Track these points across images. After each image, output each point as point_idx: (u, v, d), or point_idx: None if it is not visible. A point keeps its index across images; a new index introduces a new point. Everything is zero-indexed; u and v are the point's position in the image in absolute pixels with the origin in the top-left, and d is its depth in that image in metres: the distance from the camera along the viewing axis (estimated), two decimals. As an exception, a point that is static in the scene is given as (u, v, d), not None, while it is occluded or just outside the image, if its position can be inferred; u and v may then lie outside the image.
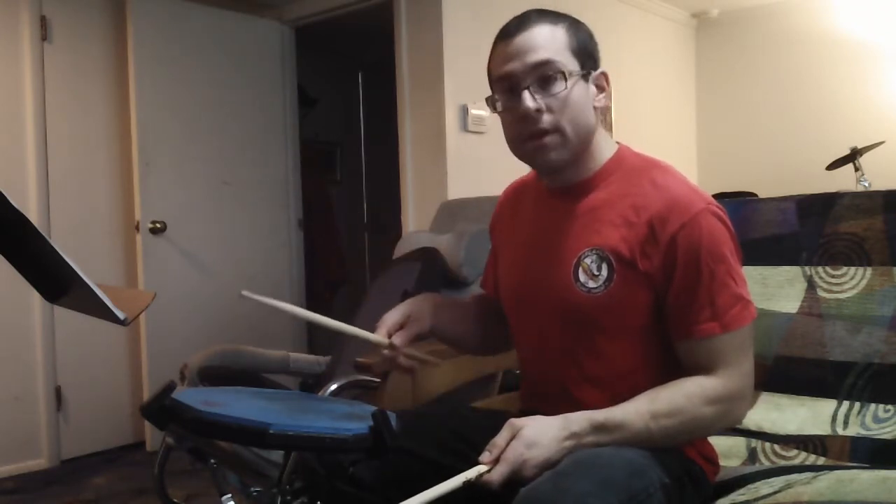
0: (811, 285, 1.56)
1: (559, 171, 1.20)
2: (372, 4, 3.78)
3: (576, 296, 1.15)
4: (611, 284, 1.13)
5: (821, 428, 1.45)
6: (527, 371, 1.33)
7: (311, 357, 2.51)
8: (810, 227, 1.59)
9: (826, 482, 1.15)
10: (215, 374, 2.16)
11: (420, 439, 1.19)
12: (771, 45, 4.95)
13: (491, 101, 1.20)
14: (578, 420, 1.05)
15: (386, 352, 1.23)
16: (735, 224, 1.19)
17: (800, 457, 1.43)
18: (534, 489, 0.95)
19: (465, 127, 3.50)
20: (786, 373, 1.53)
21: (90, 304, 1.07)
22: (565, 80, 1.13)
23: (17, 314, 3.25)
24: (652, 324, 1.15)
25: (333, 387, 1.88)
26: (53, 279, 1.13)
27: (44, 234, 1.05)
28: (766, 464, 1.44)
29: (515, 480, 0.99)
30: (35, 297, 3.02)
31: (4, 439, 3.21)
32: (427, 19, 3.53)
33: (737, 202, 1.74)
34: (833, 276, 1.54)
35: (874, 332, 1.45)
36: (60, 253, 1.03)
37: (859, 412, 1.44)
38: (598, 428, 1.05)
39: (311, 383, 2.49)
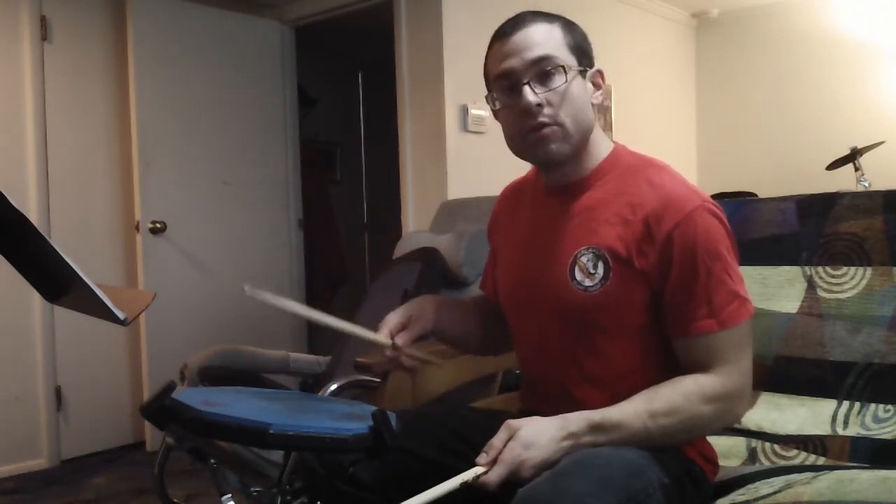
0: (811, 285, 1.56)
1: (560, 164, 1.21)
2: (372, 4, 3.78)
3: (572, 294, 1.16)
4: (607, 283, 1.13)
5: (821, 428, 1.45)
6: (526, 371, 1.33)
7: (311, 357, 2.51)
8: (810, 227, 1.59)
9: (826, 482, 1.15)
10: (215, 374, 2.16)
11: (420, 439, 1.19)
12: (771, 45, 4.95)
13: (490, 100, 1.21)
14: (576, 420, 1.05)
15: (388, 352, 1.23)
16: (735, 224, 1.19)
17: (800, 457, 1.43)
18: (532, 490, 0.95)
19: (465, 127, 3.50)
20: (786, 373, 1.53)
21: (90, 304, 1.07)
22: (564, 73, 1.15)
23: (17, 314, 3.25)
24: (650, 323, 1.15)
25: (333, 387, 1.88)
26: (53, 279, 1.13)
27: (44, 234, 1.05)
28: (766, 464, 1.44)
29: (513, 481, 0.99)
30: (35, 297, 3.02)
31: (4, 439, 3.21)
32: (427, 19, 3.53)
33: (737, 202, 1.74)
34: (833, 276, 1.54)
35: (874, 332, 1.45)
36: (60, 253, 1.03)
37: (859, 412, 1.44)
38: (596, 428, 1.05)
39: (311, 383, 2.49)
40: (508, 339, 1.36)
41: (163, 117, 3.56)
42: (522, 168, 1.33)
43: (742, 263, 1.19)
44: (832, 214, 1.57)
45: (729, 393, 1.10)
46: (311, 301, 4.29)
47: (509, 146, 1.22)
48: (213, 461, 1.18)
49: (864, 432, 1.41)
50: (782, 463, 1.42)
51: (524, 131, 1.17)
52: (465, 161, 3.48)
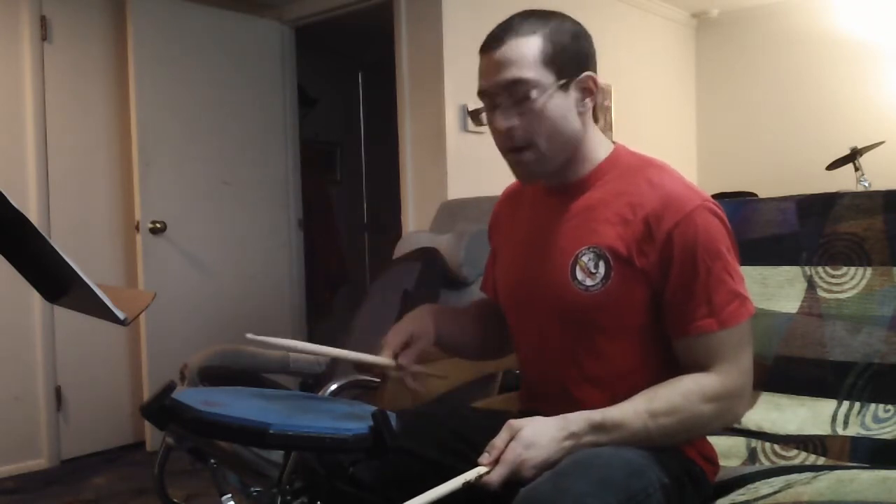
0: (811, 285, 1.56)
1: (541, 180, 1.23)
2: (372, 4, 3.78)
3: (573, 294, 1.16)
4: (608, 282, 1.13)
5: (821, 428, 1.45)
6: (526, 371, 1.33)
7: (311, 357, 2.51)
8: (810, 227, 1.59)
9: (826, 482, 1.15)
10: (215, 374, 2.16)
11: (420, 439, 1.19)
12: (771, 45, 4.95)
13: (475, 116, 1.22)
14: (577, 420, 1.05)
15: (393, 373, 1.23)
16: (735, 224, 1.19)
17: (800, 457, 1.43)
18: (533, 489, 0.95)
19: (465, 127, 3.50)
20: (786, 373, 1.53)
21: (90, 304, 1.07)
22: (538, 95, 1.13)
23: (17, 314, 3.25)
24: (651, 323, 1.15)
25: (333, 387, 1.88)
26: (53, 279, 1.13)
27: (44, 234, 1.05)
28: (766, 464, 1.44)
29: (515, 481, 0.99)
30: (35, 297, 3.02)
31: (4, 439, 3.21)
32: (427, 19, 3.53)
33: (737, 202, 1.74)
34: (833, 276, 1.54)
35: (874, 332, 1.45)
36: (60, 253, 1.03)
37: (859, 412, 1.44)
38: (597, 428, 1.05)
39: (311, 383, 2.49)
40: (508, 343, 1.36)
41: (163, 117, 3.56)
42: (522, 168, 1.33)
43: (742, 263, 1.19)
44: (832, 214, 1.57)
45: (729, 392, 1.10)
46: (311, 301, 4.29)
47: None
48: (213, 461, 1.18)
49: (864, 432, 1.41)
50: (782, 463, 1.42)
51: (503, 150, 1.20)
52: (465, 161, 3.48)
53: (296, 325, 4.06)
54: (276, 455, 1.47)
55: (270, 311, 3.94)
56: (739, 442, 1.49)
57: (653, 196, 1.14)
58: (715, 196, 1.25)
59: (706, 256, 1.10)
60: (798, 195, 1.66)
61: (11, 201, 0.99)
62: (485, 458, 1.02)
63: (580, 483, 0.94)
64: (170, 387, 0.99)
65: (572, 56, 1.16)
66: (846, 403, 1.46)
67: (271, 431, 0.94)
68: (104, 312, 1.06)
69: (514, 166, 1.20)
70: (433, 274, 2.45)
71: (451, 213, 3.00)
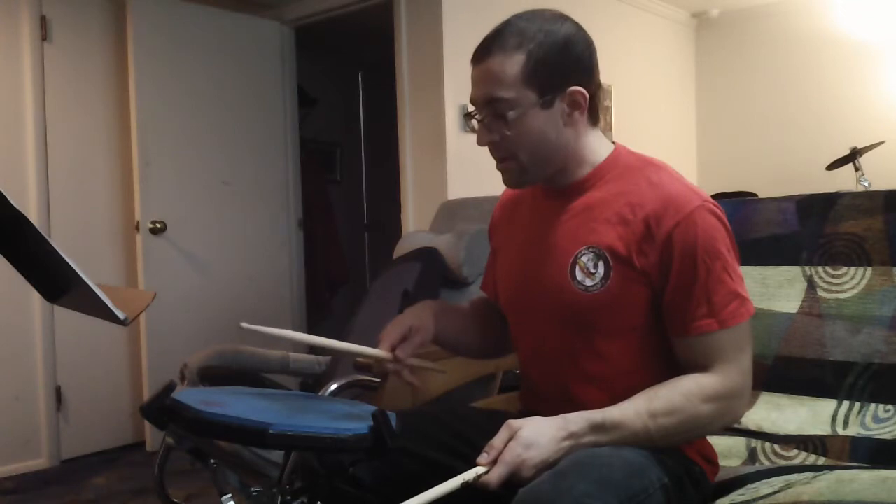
0: (811, 285, 1.56)
1: (531, 186, 1.25)
2: (372, 4, 3.78)
3: (573, 294, 1.16)
4: (608, 282, 1.13)
5: (821, 428, 1.45)
6: (526, 371, 1.33)
7: (311, 357, 2.51)
8: (810, 227, 1.59)
9: (826, 482, 1.15)
10: (215, 374, 2.16)
11: (420, 439, 1.19)
12: (771, 45, 4.95)
13: (468, 119, 1.23)
14: (576, 420, 1.05)
15: (391, 365, 1.23)
16: (735, 224, 1.19)
17: (800, 457, 1.43)
18: (533, 489, 0.95)
19: (465, 127, 3.50)
20: (786, 373, 1.53)
21: (90, 304, 1.07)
22: (516, 115, 1.14)
23: (17, 314, 3.25)
24: (650, 322, 1.15)
25: (333, 387, 1.87)
26: (53, 279, 1.13)
27: (44, 234, 1.05)
28: (766, 464, 1.44)
29: (514, 481, 0.99)
30: (35, 297, 3.02)
31: (4, 439, 3.21)
32: (427, 19, 3.53)
33: (737, 202, 1.74)
34: (833, 276, 1.54)
35: (874, 332, 1.46)
36: (60, 253, 1.03)
37: (859, 412, 1.44)
38: (597, 428, 1.05)
39: (311, 383, 2.49)
40: (508, 342, 1.36)
41: (163, 117, 3.56)
42: (522, 168, 1.33)
43: (742, 263, 1.19)
44: (832, 214, 1.57)
45: (729, 392, 1.10)
46: (311, 301, 4.29)
47: None
48: (213, 461, 1.18)
49: (864, 432, 1.41)
50: (782, 463, 1.42)
51: (493, 158, 1.22)
52: (465, 161, 3.48)
53: (296, 325, 4.06)
54: (276, 455, 1.47)
55: (270, 311, 3.94)
56: (739, 442, 1.49)
57: (653, 196, 1.14)
58: (715, 196, 1.26)
59: (706, 257, 1.10)
60: (798, 195, 1.66)
61: (11, 201, 0.99)
62: (483, 458, 1.02)
63: (580, 483, 0.94)
64: (170, 387, 0.99)
65: (559, 70, 1.15)
66: (846, 403, 1.46)
67: (271, 431, 0.94)
68: (104, 312, 1.06)
69: (502, 174, 1.23)
70: (433, 274, 2.45)
71: (451, 213, 3.00)
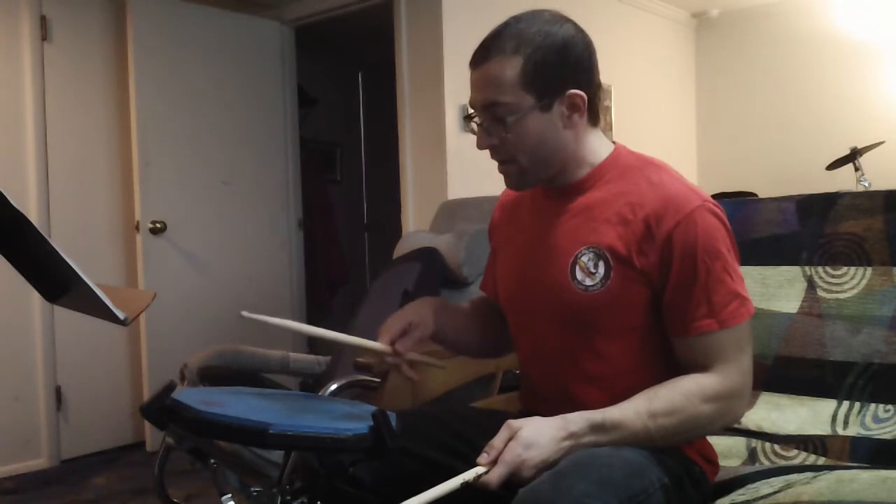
0: (811, 285, 1.56)
1: (531, 187, 1.25)
2: (372, 4, 3.78)
3: (573, 294, 1.16)
4: (608, 282, 1.13)
5: (821, 428, 1.45)
6: (526, 371, 1.33)
7: (311, 357, 2.51)
8: (810, 227, 1.59)
9: (826, 482, 1.15)
10: (215, 374, 2.16)
11: (420, 439, 1.19)
12: (771, 45, 4.95)
13: (468, 121, 1.24)
14: (576, 420, 1.05)
15: (390, 359, 1.23)
16: (735, 224, 1.19)
17: (800, 457, 1.43)
18: (533, 490, 0.95)
19: (464, 127, 3.50)
20: (786, 373, 1.53)
21: (90, 304, 1.07)
22: (515, 119, 1.14)
23: (17, 314, 3.25)
24: (650, 322, 1.15)
25: (333, 387, 1.87)
26: (53, 279, 1.13)
27: (44, 234, 1.05)
28: (766, 464, 1.44)
29: (514, 481, 0.99)
30: (35, 297, 3.02)
31: (4, 439, 3.21)
32: (427, 19, 3.53)
33: (737, 202, 1.74)
34: (833, 276, 1.54)
35: (874, 332, 1.46)
36: (60, 253, 1.03)
37: (859, 412, 1.44)
38: (597, 428, 1.05)
39: (311, 383, 2.49)
40: (508, 342, 1.36)
41: (163, 117, 3.56)
42: (522, 168, 1.33)
43: (742, 263, 1.19)
44: (832, 214, 1.57)
45: (729, 392, 1.10)
46: (311, 301, 4.29)
47: None
48: (213, 461, 1.18)
49: (864, 432, 1.41)
50: (782, 463, 1.42)
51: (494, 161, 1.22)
52: (465, 161, 3.48)
53: (296, 325, 4.05)
54: (276, 455, 1.47)
55: (270, 311, 3.90)
56: (739, 442, 1.49)
57: (653, 196, 1.14)
58: (715, 196, 1.25)
59: (706, 257, 1.10)
60: (798, 195, 1.66)
61: (11, 201, 0.99)
62: (483, 458, 1.02)
63: (580, 483, 0.94)
64: (170, 387, 0.99)
65: (558, 73, 1.14)
66: (846, 403, 1.46)
67: (271, 431, 0.94)
68: (104, 312, 1.06)
69: (503, 176, 1.23)
70: (433, 274, 2.45)
71: (451, 213, 3.00)
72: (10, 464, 3.23)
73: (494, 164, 1.23)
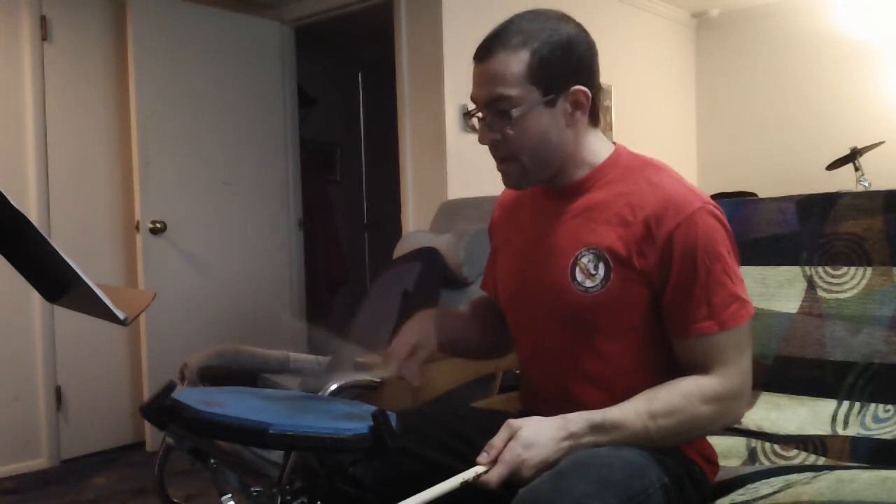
0: (811, 285, 1.56)
1: (531, 186, 1.25)
2: (372, 4, 3.78)
3: (573, 295, 1.16)
4: (608, 283, 1.13)
5: (821, 428, 1.45)
6: (526, 371, 1.33)
7: (311, 357, 2.51)
8: (810, 227, 1.59)
9: (826, 482, 1.15)
10: (215, 374, 2.16)
11: (420, 439, 1.19)
12: (771, 45, 4.95)
13: (468, 118, 1.24)
14: (576, 420, 1.05)
15: (395, 379, 1.25)
16: (735, 224, 1.19)
17: (800, 457, 1.43)
18: (533, 489, 0.95)
19: (465, 127, 3.50)
20: (786, 373, 1.53)
21: (90, 304, 1.07)
22: (521, 112, 1.13)
23: (17, 314, 3.25)
24: (650, 323, 1.15)
25: (333, 387, 1.87)
26: (53, 279, 1.13)
27: (44, 234, 1.05)
28: (766, 464, 1.44)
29: (514, 481, 0.99)
30: (35, 297, 3.02)
31: (4, 439, 3.21)
32: (427, 19, 3.53)
33: (737, 202, 1.74)
34: (833, 276, 1.54)
35: (874, 332, 1.46)
36: (60, 253, 1.03)
37: (859, 412, 1.44)
38: (596, 428, 1.05)
39: (311, 383, 2.49)
40: (508, 342, 1.36)
41: (163, 117, 3.56)
42: (522, 168, 1.33)
43: (742, 263, 1.19)
44: (832, 214, 1.57)
45: (729, 393, 1.10)
46: (311, 301, 4.29)
47: None
48: (213, 461, 1.18)
49: (864, 432, 1.41)
50: (782, 463, 1.42)
51: (493, 158, 1.21)
52: (465, 161, 3.48)
53: (295, 325, 4.06)
54: (276, 455, 1.47)
55: (270, 311, 3.94)
56: (739, 442, 1.49)
57: (653, 197, 1.14)
58: (715, 196, 1.26)
59: (706, 258, 1.10)
60: (798, 195, 1.66)
61: (11, 201, 0.99)
62: (483, 457, 1.02)
63: (580, 483, 0.94)
64: (170, 387, 0.99)
65: (563, 70, 1.14)
66: (846, 403, 1.46)
67: (271, 431, 0.94)
68: (104, 312, 1.06)
69: (502, 175, 1.22)
70: (433, 274, 2.44)
71: (451, 213, 2.99)
72: (10, 464, 3.23)
73: (494, 164, 1.23)
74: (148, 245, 3.49)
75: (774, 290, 1.60)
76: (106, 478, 3.19)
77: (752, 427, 1.51)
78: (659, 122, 4.92)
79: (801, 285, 1.57)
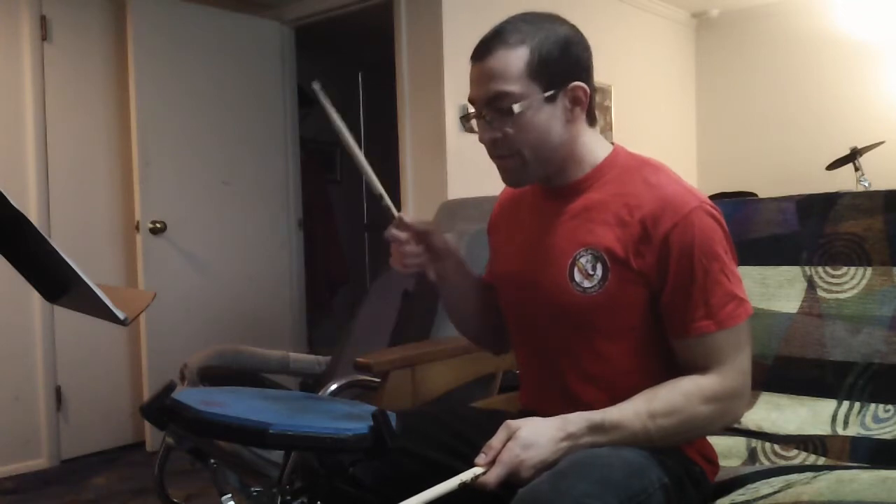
0: (811, 285, 1.56)
1: (530, 184, 1.25)
2: (372, 4, 3.78)
3: (571, 296, 1.16)
4: (606, 283, 1.13)
5: (821, 428, 1.45)
6: (525, 372, 1.33)
7: (311, 357, 2.51)
8: (810, 227, 1.59)
9: (826, 482, 1.15)
10: (215, 374, 2.16)
11: (420, 439, 1.19)
12: (771, 45, 4.95)
13: (466, 121, 1.24)
14: (575, 420, 1.05)
15: (393, 230, 1.28)
16: (735, 224, 1.19)
17: (800, 457, 1.43)
18: (532, 490, 0.95)
19: (464, 127, 3.50)
20: (786, 373, 1.53)
21: (90, 304, 1.07)
22: (522, 108, 1.14)
23: (17, 314, 3.25)
24: (649, 323, 1.15)
25: (333, 387, 1.88)
26: (53, 279, 1.13)
27: (44, 234, 1.05)
28: (766, 464, 1.44)
29: (513, 482, 0.99)
30: (35, 297, 3.02)
31: (4, 439, 3.21)
32: (427, 19, 3.53)
33: (737, 202, 1.74)
34: (833, 276, 1.54)
35: (874, 332, 1.46)
36: (60, 253, 1.03)
37: (859, 412, 1.44)
38: (596, 428, 1.05)
39: (311, 383, 2.49)
40: (505, 340, 1.36)
41: (163, 117, 3.56)
42: (522, 168, 1.33)
43: (742, 263, 1.19)
44: (832, 214, 1.57)
45: (728, 393, 1.10)
46: (311, 301, 4.29)
47: None
48: (213, 461, 1.18)
49: (864, 432, 1.41)
50: (782, 463, 1.42)
51: (491, 156, 1.22)
52: (465, 161, 3.48)
53: (296, 325, 4.06)
54: (276, 455, 1.47)
55: (270, 311, 3.94)
56: (739, 442, 1.49)
57: (650, 197, 1.14)
58: (715, 196, 1.26)
59: (703, 258, 1.10)
60: (798, 195, 1.66)
61: (11, 201, 0.99)
62: (481, 458, 1.02)
63: (580, 483, 0.94)
64: (170, 387, 0.99)
65: (561, 66, 1.15)
66: (846, 403, 1.46)
67: (271, 431, 0.94)
68: (104, 312, 1.06)
69: (501, 172, 1.22)
70: (433, 274, 2.44)
71: (451, 213, 2.99)
72: (10, 464, 3.22)
73: (494, 164, 1.23)
74: (148, 245, 3.49)
75: (774, 290, 1.60)
76: (106, 478, 3.19)
77: (752, 427, 1.51)
78: (659, 122, 4.92)
79: (801, 285, 1.57)
